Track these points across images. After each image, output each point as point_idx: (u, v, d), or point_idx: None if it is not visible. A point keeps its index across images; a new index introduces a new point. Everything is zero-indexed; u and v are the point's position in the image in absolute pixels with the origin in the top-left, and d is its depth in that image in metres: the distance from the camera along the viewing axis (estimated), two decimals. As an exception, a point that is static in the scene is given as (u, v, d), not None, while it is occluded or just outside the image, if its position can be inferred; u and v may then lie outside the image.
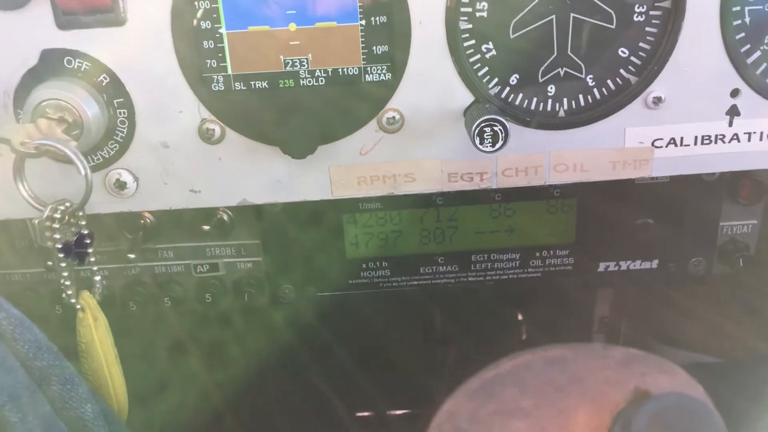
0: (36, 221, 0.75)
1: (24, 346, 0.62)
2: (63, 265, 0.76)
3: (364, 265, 1.05)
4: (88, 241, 0.78)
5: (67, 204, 0.76)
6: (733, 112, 0.85)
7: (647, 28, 0.82)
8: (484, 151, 0.77)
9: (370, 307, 1.12)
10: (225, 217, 0.99)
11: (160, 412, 1.12)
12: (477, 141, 0.77)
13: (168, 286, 1.03)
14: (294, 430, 1.43)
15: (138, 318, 1.04)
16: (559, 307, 1.39)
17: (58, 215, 0.74)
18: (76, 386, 0.66)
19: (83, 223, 0.78)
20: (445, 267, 1.05)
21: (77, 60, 0.79)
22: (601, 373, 0.71)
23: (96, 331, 0.78)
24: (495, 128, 0.76)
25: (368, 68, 0.82)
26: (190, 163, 0.85)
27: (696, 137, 0.86)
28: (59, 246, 0.75)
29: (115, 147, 0.83)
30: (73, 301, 0.78)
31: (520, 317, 1.52)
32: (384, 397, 1.46)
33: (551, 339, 1.43)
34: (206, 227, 0.97)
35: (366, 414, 1.52)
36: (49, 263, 0.95)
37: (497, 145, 0.77)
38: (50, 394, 0.65)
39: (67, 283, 0.77)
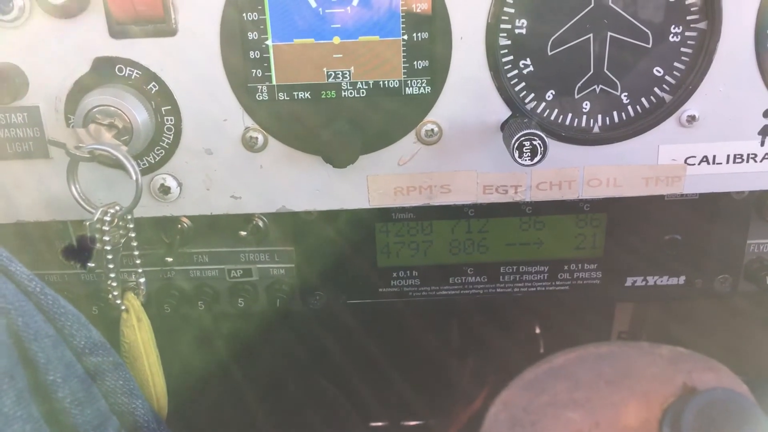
0: (87, 223, 0.77)
1: (81, 342, 0.64)
2: (111, 266, 0.78)
3: (394, 274, 1.06)
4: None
5: (117, 207, 0.78)
6: (766, 132, 0.86)
7: (682, 48, 0.84)
8: (523, 165, 0.79)
9: (398, 316, 1.13)
10: (260, 224, 1.01)
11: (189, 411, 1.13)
12: (516, 154, 0.79)
13: (202, 289, 1.05)
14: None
15: (171, 320, 1.06)
16: (577, 320, 1.40)
17: (107, 218, 0.76)
18: (128, 382, 0.69)
19: (131, 226, 0.80)
20: (474, 278, 1.06)
21: (128, 68, 0.82)
22: (650, 369, 0.73)
23: (139, 331, 0.80)
24: (534, 142, 0.78)
25: (409, 81, 0.84)
26: (233, 170, 0.87)
27: (728, 156, 0.87)
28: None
29: (161, 153, 0.86)
30: (118, 302, 0.80)
31: (537, 330, 1.54)
32: (400, 407, 1.47)
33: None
34: (243, 233, 0.99)
35: (379, 424, 1.53)
36: (90, 264, 0.97)
37: (536, 159, 0.79)
38: (104, 389, 0.67)
39: (114, 284, 0.79)
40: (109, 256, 0.78)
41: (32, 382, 0.60)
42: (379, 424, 1.52)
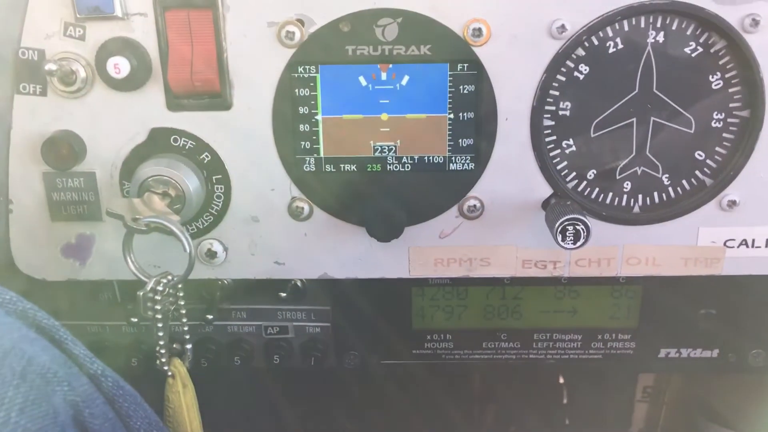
0: (139, 294, 0.79)
1: (137, 423, 0.66)
2: (160, 334, 0.80)
3: (428, 337, 1.07)
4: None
5: (169, 277, 0.80)
6: None
7: (724, 134, 0.85)
8: (566, 248, 0.80)
9: (429, 378, 1.14)
10: (299, 284, 1.03)
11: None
12: (559, 238, 0.80)
13: (239, 345, 1.06)
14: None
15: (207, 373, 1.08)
16: (602, 373, 1.40)
17: (160, 287, 0.79)
18: (179, 460, 0.71)
19: (181, 294, 0.82)
20: (507, 343, 1.07)
21: (183, 139, 0.84)
22: None
23: (184, 397, 0.82)
24: (578, 227, 0.79)
25: (453, 158, 0.86)
26: (278, 237, 0.89)
27: (767, 240, 0.88)
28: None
29: (210, 219, 0.88)
30: (165, 368, 0.82)
31: (561, 380, 1.54)
32: None
33: (591, 405, 1.44)
34: (283, 294, 1.01)
35: None
36: (133, 319, 0.99)
37: (578, 243, 0.80)
38: None
39: (162, 351, 0.81)
40: (159, 324, 0.79)
41: None
42: None
